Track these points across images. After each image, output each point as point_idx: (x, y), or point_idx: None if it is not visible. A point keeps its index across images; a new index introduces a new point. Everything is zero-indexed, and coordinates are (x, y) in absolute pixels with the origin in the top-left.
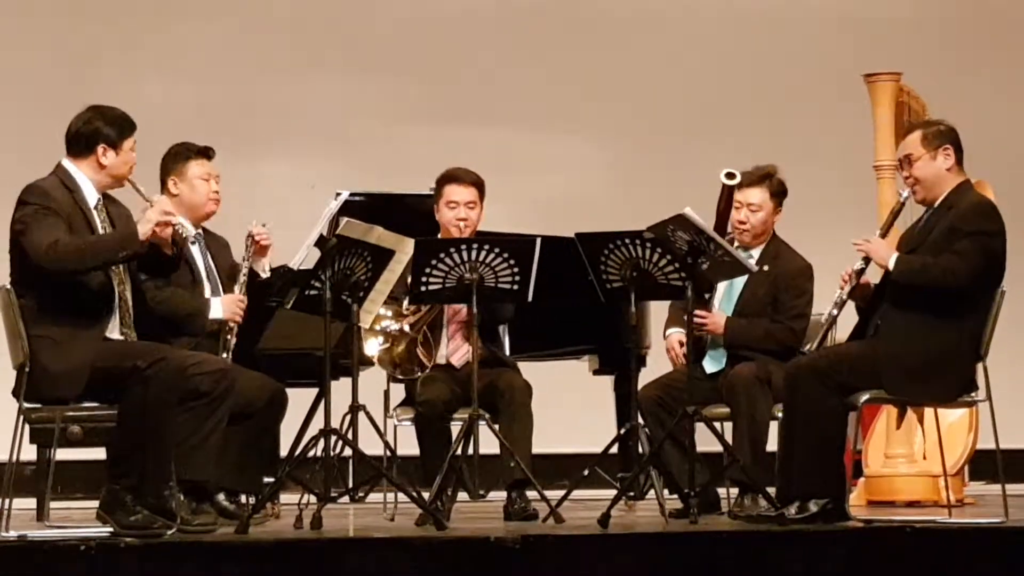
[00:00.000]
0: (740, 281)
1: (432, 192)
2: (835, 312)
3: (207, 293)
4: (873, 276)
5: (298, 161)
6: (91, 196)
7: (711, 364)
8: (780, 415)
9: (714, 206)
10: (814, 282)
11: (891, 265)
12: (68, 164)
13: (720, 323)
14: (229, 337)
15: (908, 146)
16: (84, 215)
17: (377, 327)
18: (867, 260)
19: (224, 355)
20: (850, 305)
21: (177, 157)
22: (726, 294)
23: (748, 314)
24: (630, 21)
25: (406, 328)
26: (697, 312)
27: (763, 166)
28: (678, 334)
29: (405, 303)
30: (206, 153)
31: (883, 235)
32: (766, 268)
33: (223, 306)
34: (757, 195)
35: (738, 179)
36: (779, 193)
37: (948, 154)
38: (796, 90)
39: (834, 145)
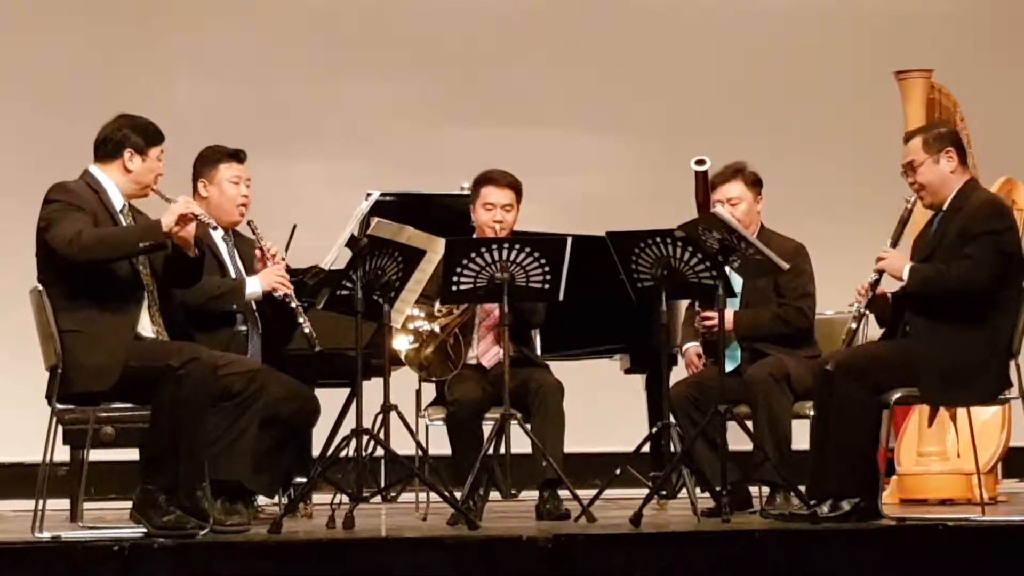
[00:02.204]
0: (738, 276)
1: (463, 191)
2: (854, 326)
3: None
4: (892, 285)
5: (329, 162)
6: (117, 200)
7: (727, 363)
8: (808, 412)
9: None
10: (810, 260)
11: (905, 276)
12: (95, 169)
13: (728, 318)
14: (293, 306)
15: (910, 152)
16: (110, 215)
17: (409, 326)
18: (880, 272)
19: (302, 321)
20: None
21: (207, 160)
22: None
23: (753, 305)
24: (660, 20)
25: (436, 330)
26: (704, 315)
27: (732, 162)
28: (695, 347)
29: (437, 304)
30: (237, 156)
31: (894, 244)
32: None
33: (261, 279)
34: (735, 189)
35: (708, 164)
36: (755, 183)
37: (951, 156)
38: (827, 88)
39: (864, 142)
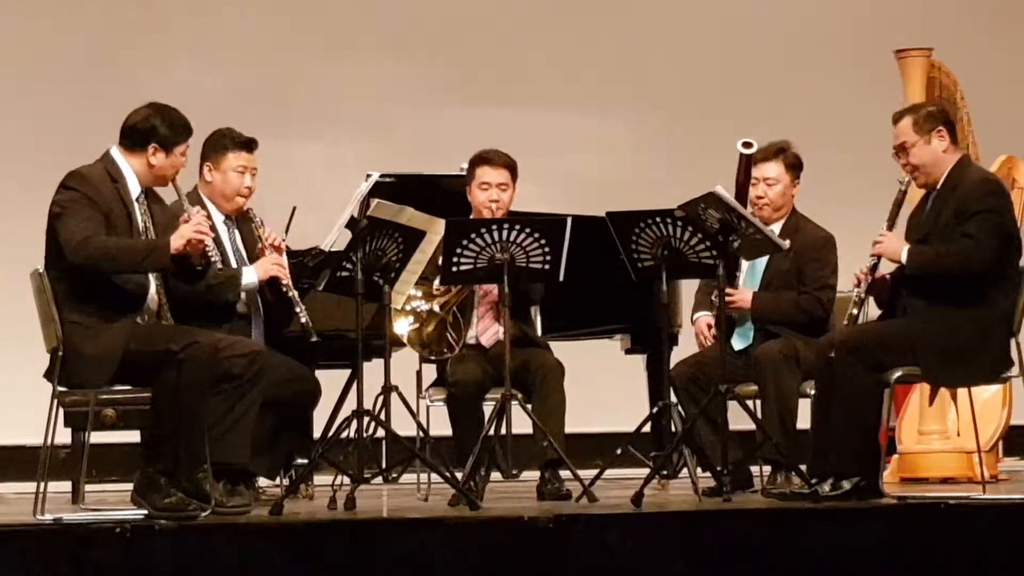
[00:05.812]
0: (764, 257)
1: (463, 172)
2: (855, 312)
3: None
4: (890, 266)
5: (330, 143)
6: (134, 189)
7: (739, 341)
8: (812, 392)
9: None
10: (836, 253)
11: (904, 259)
12: (116, 154)
13: (747, 298)
14: (290, 295)
15: (901, 134)
16: (125, 207)
17: (407, 307)
18: (878, 255)
19: (299, 311)
20: None
21: (216, 144)
22: (751, 270)
23: (774, 289)
24: (660, 1)
25: (436, 308)
26: (726, 290)
27: (777, 141)
28: (706, 317)
29: (436, 283)
30: (247, 146)
31: (890, 227)
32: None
33: (257, 268)
34: (773, 169)
35: (755, 148)
36: (795, 166)
37: (942, 135)
38: (827, 67)
39: (865, 122)
